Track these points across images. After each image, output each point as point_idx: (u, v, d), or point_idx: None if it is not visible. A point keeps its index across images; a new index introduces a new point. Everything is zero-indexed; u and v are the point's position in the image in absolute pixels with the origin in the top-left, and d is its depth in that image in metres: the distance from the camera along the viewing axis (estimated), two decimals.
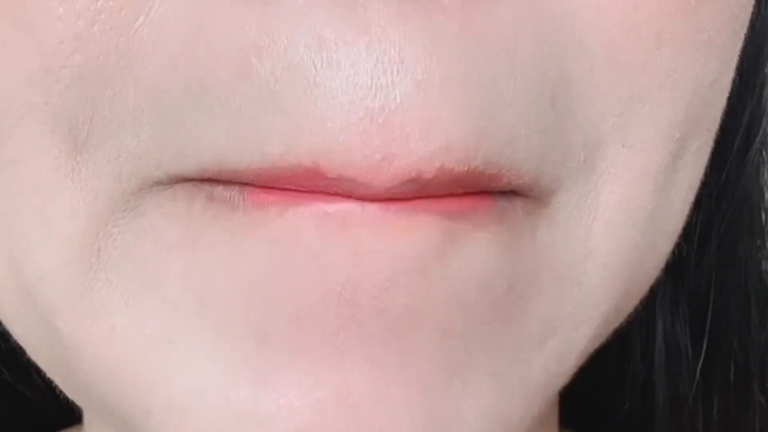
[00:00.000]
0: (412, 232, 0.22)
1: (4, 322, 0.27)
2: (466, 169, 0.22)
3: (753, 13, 0.28)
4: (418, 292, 0.22)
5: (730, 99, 0.28)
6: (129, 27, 0.22)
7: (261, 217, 0.22)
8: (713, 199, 0.37)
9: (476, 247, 0.23)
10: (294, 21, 0.22)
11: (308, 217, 0.22)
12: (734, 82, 0.28)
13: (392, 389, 0.22)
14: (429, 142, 0.22)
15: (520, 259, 0.24)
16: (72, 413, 0.35)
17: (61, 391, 0.28)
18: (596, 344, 0.27)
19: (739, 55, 0.27)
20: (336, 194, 0.22)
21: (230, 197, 0.23)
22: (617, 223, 0.25)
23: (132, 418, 0.24)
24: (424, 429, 0.23)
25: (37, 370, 0.28)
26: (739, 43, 0.27)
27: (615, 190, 0.25)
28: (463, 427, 0.23)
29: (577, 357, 0.26)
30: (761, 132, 0.36)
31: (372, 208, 0.22)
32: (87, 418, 0.32)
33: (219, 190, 0.23)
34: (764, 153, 0.37)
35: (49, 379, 0.27)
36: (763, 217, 0.38)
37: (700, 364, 0.37)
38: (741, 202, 0.37)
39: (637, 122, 0.24)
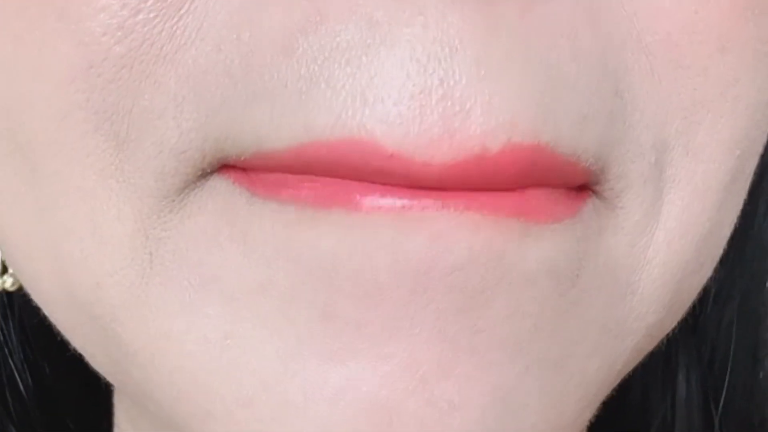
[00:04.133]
0: (492, 224, 0.22)
1: (65, 334, 0.27)
2: (536, 143, 0.21)
3: None
4: (493, 274, 0.22)
5: None
6: (174, 14, 0.22)
7: (319, 210, 0.22)
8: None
9: (551, 237, 0.23)
10: (343, 3, 0.21)
11: (381, 206, 0.22)
12: None
13: (460, 364, 0.22)
14: (493, 116, 0.21)
15: (587, 252, 0.23)
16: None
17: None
18: (636, 360, 0.27)
19: None
20: (385, 184, 0.21)
21: (270, 187, 0.22)
22: (676, 236, 0.25)
23: (189, 423, 0.24)
24: (491, 404, 0.22)
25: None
26: None
27: (678, 201, 0.24)
28: (524, 408, 0.23)
29: (619, 370, 0.26)
30: None
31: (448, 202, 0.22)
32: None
33: (259, 178, 0.22)
34: None
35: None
36: None
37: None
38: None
39: (700, 130, 0.24)
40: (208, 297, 0.23)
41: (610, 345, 0.25)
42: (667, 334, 0.36)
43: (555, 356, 0.23)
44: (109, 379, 0.27)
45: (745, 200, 0.35)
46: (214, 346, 0.23)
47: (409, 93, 0.21)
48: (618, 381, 0.26)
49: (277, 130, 0.21)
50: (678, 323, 0.36)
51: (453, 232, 0.21)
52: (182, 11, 0.22)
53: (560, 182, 0.23)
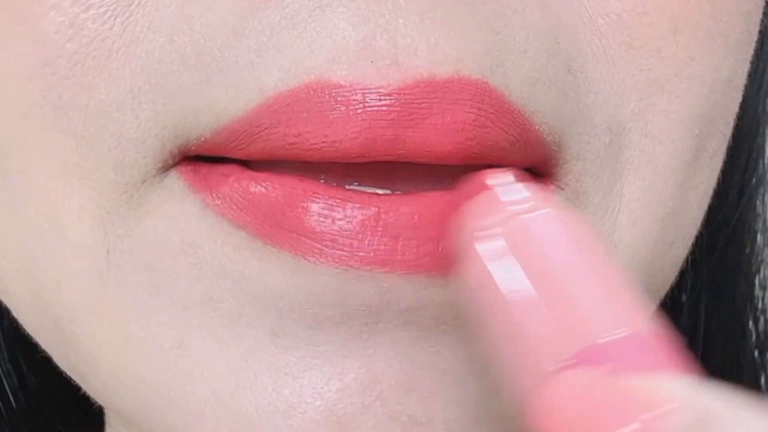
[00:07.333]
0: (442, 281, 0.22)
1: (32, 335, 0.27)
2: (484, 80, 0.22)
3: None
4: (448, 314, 0.22)
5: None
6: (124, 10, 0.22)
7: (267, 245, 0.22)
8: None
9: None
10: None
11: (325, 253, 0.22)
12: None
13: (422, 380, 0.22)
14: (439, 53, 0.21)
15: None
16: None
17: None
18: None
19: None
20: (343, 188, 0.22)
21: (225, 198, 0.22)
22: (640, 217, 0.25)
23: (154, 429, 0.24)
24: (457, 419, 0.22)
25: None
26: (751, 47, 0.27)
27: (638, 182, 0.25)
28: (495, 421, 0.23)
29: None
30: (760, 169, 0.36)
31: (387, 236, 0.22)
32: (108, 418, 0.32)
33: (215, 178, 0.23)
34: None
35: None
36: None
37: None
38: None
39: (656, 111, 0.24)
40: (161, 304, 0.23)
41: None
42: None
43: None
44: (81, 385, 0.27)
45: (717, 189, 0.36)
46: (168, 355, 0.23)
47: (355, 38, 0.21)
48: None
49: (233, 100, 0.22)
50: (657, 310, 0.37)
51: (399, 289, 0.22)
52: (132, 6, 0.22)
53: (520, 155, 0.23)
